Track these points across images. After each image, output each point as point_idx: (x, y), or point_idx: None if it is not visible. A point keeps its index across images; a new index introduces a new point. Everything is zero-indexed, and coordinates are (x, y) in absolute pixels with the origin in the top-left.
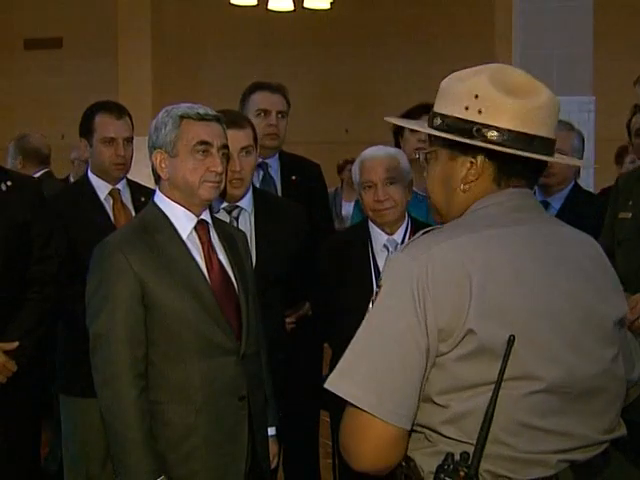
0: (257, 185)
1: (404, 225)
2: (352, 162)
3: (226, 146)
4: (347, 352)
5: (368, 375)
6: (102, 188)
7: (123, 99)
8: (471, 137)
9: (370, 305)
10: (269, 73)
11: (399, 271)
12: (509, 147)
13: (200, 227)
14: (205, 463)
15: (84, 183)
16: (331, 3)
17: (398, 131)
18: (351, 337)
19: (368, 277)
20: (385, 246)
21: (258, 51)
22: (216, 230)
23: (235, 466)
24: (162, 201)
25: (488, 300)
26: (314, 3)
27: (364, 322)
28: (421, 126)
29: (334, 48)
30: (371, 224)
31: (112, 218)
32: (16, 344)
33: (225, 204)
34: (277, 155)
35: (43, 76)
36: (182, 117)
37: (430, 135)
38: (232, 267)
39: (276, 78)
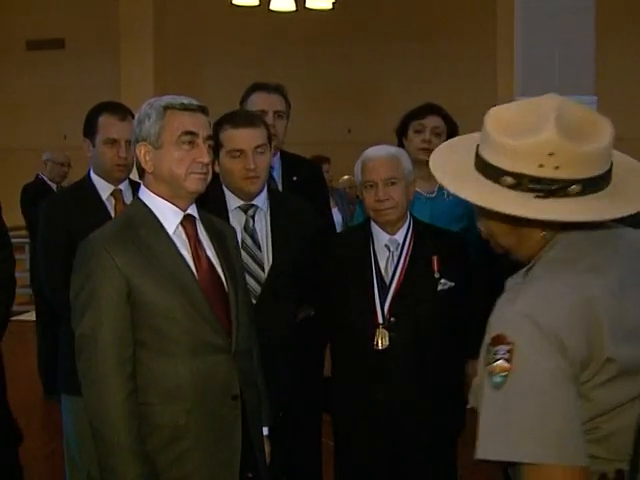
0: None
1: (406, 225)
2: (322, 159)
3: (212, 137)
4: (491, 417)
5: (534, 427)
6: (104, 189)
7: (125, 99)
8: (549, 194)
9: (482, 364)
10: (271, 73)
11: (527, 334)
12: (587, 193)
13: (187, 222)
14: (197, 465)
15: (86, 183)
16: (333, 3)
17: (402, 131)
18: (353, 337)
19: (369, 277)
20: (386, 246)
21: (260, 51)
22: (204, 225)
23: (229, 468)
24: (147, 196)
25: (619, 324)
26: (316, 3)
27: (500, 384)
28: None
29: (336, 48)
30: (373, 224)
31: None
32: None
33: (241, 202)
34: (278, 155)
35: (45, 77)
36: (166, 108)
37: None
38: (220, 263)
39: (278, 78)
